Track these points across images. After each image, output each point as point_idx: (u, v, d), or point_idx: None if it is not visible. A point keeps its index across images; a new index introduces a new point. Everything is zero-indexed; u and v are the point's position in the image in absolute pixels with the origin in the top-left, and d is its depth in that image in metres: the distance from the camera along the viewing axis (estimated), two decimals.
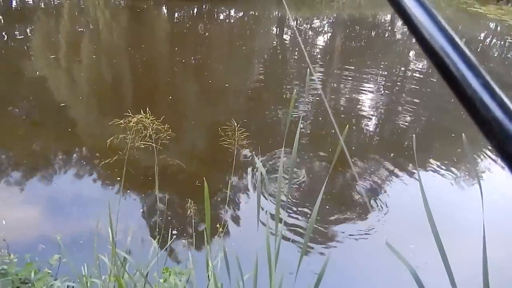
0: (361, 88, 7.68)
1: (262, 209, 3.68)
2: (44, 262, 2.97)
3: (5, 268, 2.56)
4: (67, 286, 2.24)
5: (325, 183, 1.54)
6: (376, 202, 4.26)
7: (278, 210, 1.43)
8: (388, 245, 1.41)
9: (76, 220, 3.61)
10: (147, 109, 1.97)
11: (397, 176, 4.80)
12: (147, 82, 7.08)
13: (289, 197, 4.10)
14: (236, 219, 3.85)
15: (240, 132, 2.04)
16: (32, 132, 5.11)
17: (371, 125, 6.25)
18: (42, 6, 12.66)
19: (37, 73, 7.11)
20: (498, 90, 0.31)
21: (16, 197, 3.92)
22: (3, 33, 9.60)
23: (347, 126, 1.40)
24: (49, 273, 2.67)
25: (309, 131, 5.79)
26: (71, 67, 7.54)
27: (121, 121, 1.88)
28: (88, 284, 2.41)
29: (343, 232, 3.78)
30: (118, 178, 4.09)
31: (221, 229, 1.87)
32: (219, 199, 4.01)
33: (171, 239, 2.98)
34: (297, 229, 3.70)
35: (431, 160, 5.18)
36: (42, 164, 4.45)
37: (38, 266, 2.72)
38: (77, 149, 4.72)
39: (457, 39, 0.33)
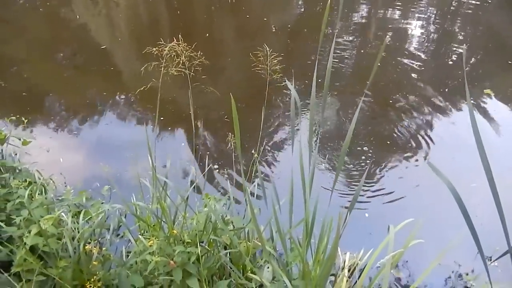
0: (410, 18, 7.11)
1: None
2: (97, 194, 3.20)
3: (62, 197, 2.80)
4: (117, 209, 2.40)
5: (358, 109, 1.46)
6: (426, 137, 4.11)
7: (312, 130, 1.39)
8: (430, 164, 1.35)
9: (121, 153, 3.76)
10: (179, 36, 1.93)
11: (449, 111, 4.55)
12: (184, 20, 6.98)
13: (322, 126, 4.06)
14: (272, 145, 3.89)
15: (273, 57, 1.97)
16: (75, 74, 5.28)
17: (422, 57, 5.81)
18: None
19: (77, 17, 7.19)
20: None
21: (65, 136, 4.16)
22: None
23: (387, 36, 1.29)
24: (102, 202, 2.87)
25: (350, 69, 5.53)
26: (110, 9, 7.54)
27: (155, 49, 1.86)
28: (137, 210, 2.57)
29: (391, 165, 3.72)
30: (162, 118, 4.20)
31: (256, 155, 1.88)
32: (254, 127, 3.99)
33: (208, 167, 3.07)
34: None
35: (486, 92, 4.83)
36: (86, 104, 4.63)
37: (91, 195, 2.94)
38: (117, 87, 4.86)
39: None
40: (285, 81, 1.61)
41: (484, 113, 4.51)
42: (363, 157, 3.76)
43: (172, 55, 1.86)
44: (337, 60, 5.53)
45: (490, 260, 2.63)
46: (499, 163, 3.61)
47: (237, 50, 5.97)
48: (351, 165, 3.66)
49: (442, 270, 2.73)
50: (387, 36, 1.45)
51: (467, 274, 2.68)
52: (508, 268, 2.67)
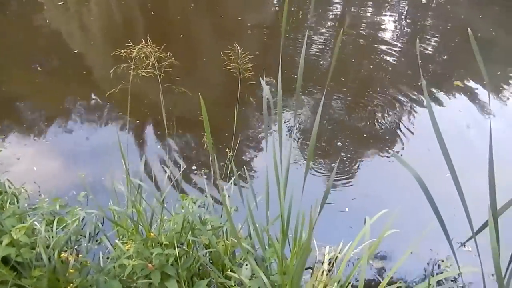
0: (383, 13, 7.25)
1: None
2: (74, 201, 3.14)
3: (36, 205, 2.73)
4: (94, 215, 2.37)
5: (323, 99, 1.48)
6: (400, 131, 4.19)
7: (281, 126, 1.40)
8: (395, 156, 1.38)
9: (96, 158, 3.70)
10: (147, 38, 1.92)
11: (423, 104, 4.65)
12: (157, 22, 6.91)
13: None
14: (248, 143, 3.90)
15: (245, 56, 1.97)
16: (48, 79, 5.16)
17: (395, 51, 5.91)
18: None
19: (47, 21, 7.02)
20: None
21: (38, 143, 4.06)
22: None
23: (342, 30, 1.31)
24: (79, 209, 2.82)
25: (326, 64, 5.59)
26: (80, 12, 7.39)
27: (123, 51, 1.84)
28: (115, 215, 2.54)
29: (368, 158, 3.78)
30: (138, 121, 4.15)
31: (230, 154, 1.88)
32: (227, 126, 4.00)
33: (184, 168, 3.05)
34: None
35: (456, 83, 4.97)
36: (59, 110, 4.52)
37: (67, 202, 2.89)
38: (90, 92, 4.77)
39: None
40: (261, 79, 1.62)
41: (454, 104, 4.64)
42: (342, 154, 3.80)
43: (142, 57, 1.85)
44: (313, 53, 5.59)
45: (464, 246, 2.72)
46: (470, 151, 3.73)
47: (212, 50, 5.95)
48: (333, 164, 3.69)
49: (420, 258, 2.80)
50: (341, 31, 1.48)
51: (443, 261, 2.76)
52: (481, 253, 2.76)
